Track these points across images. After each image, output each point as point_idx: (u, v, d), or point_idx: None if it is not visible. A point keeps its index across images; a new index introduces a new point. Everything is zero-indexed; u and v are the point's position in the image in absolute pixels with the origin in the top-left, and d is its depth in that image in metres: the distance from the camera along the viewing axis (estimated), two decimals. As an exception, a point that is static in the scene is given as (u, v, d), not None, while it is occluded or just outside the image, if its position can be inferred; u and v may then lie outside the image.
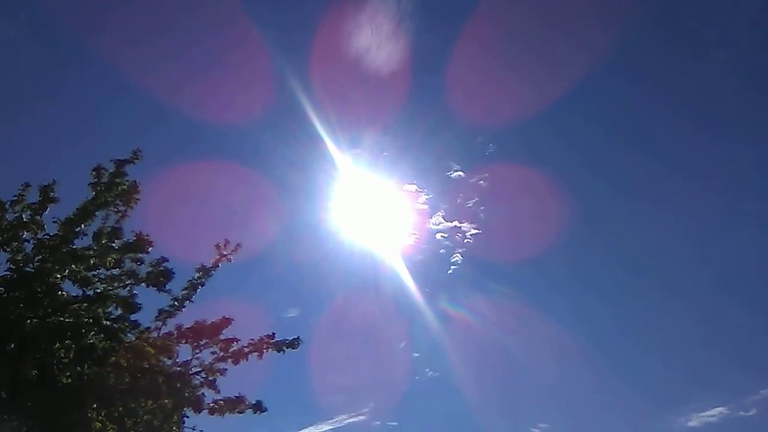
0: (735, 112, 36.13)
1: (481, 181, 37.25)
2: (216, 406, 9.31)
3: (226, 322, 9.79)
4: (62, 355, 8.19)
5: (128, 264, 8.71)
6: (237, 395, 9.38)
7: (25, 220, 8.40)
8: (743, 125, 36.44)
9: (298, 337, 9.75)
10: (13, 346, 7.89)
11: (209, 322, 9.74)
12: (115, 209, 8.78)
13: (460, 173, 36.13)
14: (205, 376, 9.54)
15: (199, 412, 9.34)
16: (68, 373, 8.33)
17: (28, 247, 8.34)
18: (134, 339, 9.14)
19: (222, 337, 9.73)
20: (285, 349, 9.67)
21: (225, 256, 9.76)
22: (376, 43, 28.36)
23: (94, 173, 8.80)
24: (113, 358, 8.67)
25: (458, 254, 37.14)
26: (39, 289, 8.05)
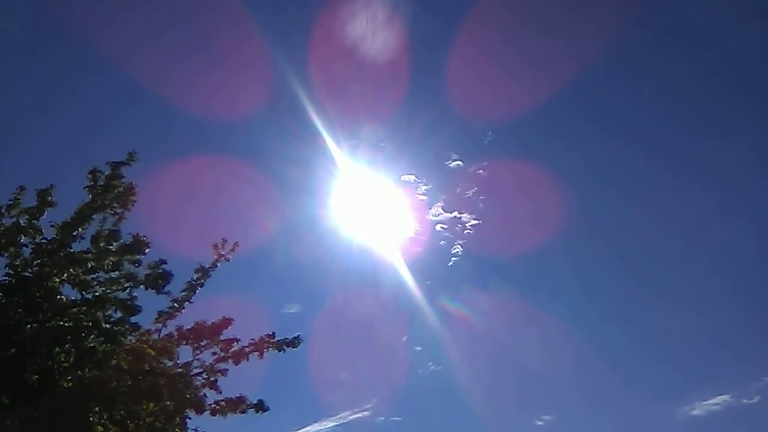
0: (728, 111, 36.31)
1: (480, 170, 37.19)
2: (218, 407, 9.30)
3: (227, 322, 9.76)
4: (63, 359, 8.20)
5: (126, 266, 8.72)
6: (238, 395, 9.39)
7: (22, 224, 8.40)
8: (736, 124, 36.60)
9: (299, 336, 9.74)
10: (13, 351, 7.88)
11: (209, 323, 9.71)
12: (112, 212, 8.77)
13: (459, 162, 36.05)
14: (206, 376, 9.51)
15: (201, 413, 9.33)
16: (69, 377, 8.34)
17: (26, 251, 8.35)
18: (134, 341, 9.15)
19: (222, 337, 9.70)
20: (286, 348, 9.66)
21: (223, 255, 9.76)
22: (372, 31, 28.20)
23: (90, 176, 8.79)
24: (114, 361, 8.66)
25: (458, 246, 37.08)
26: (38, 294, 8.06)
